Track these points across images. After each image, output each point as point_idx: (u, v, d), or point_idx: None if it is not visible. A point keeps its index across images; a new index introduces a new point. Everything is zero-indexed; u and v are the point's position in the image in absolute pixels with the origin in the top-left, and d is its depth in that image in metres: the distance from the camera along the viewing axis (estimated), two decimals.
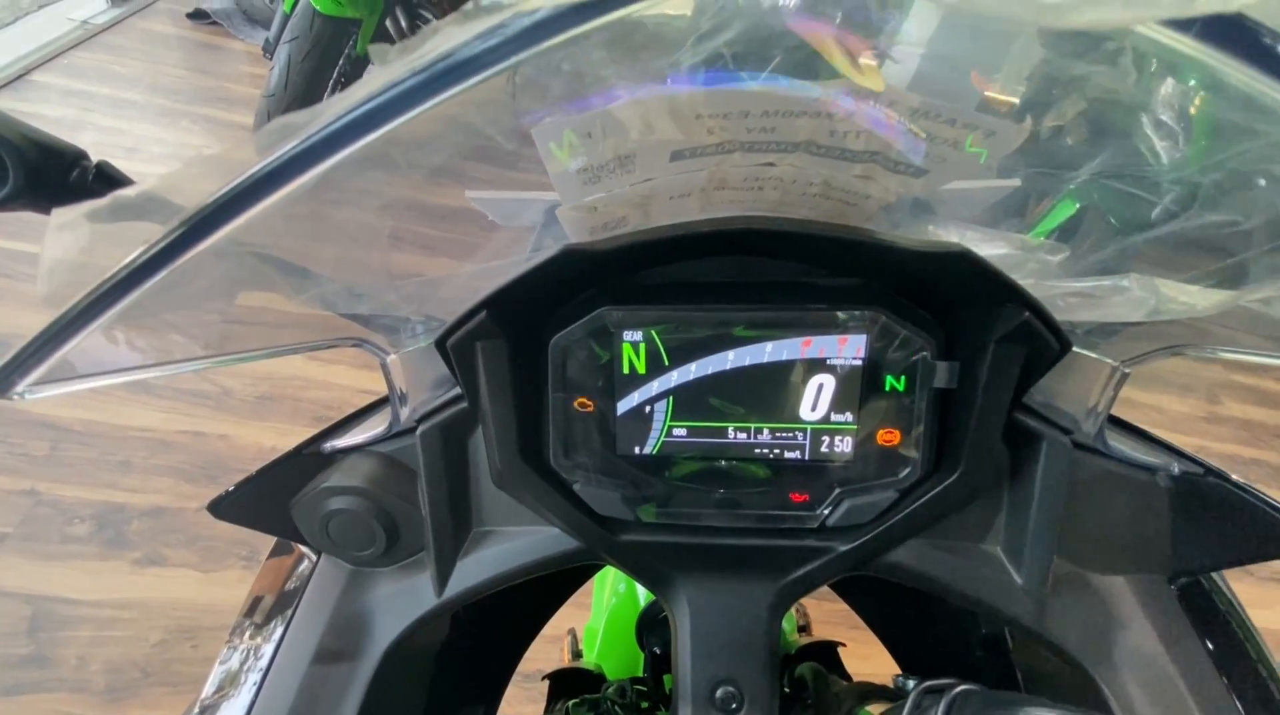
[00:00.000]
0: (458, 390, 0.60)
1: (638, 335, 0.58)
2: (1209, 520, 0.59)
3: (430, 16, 3.87)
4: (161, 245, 0.42)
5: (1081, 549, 0.64)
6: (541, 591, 1.04)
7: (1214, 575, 0.64)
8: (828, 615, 1.81)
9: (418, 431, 0.62)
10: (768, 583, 0.62)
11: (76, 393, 0.48)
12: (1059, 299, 0.58)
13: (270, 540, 0.71)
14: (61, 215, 0.39)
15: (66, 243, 0.40)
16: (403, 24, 3.74)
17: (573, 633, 1.58)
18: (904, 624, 1.08)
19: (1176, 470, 0.60)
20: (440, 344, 0.55)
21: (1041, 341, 0.53)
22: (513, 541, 0.65)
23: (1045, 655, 0.68)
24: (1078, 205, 0.69)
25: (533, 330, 0.57)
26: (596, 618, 1.55)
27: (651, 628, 1.24)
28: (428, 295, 0.61)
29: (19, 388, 0.47)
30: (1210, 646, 0.60)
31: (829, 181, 0.49)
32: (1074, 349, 0.55)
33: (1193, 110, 0.63)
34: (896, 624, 1.10)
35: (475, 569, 0.65)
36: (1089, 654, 0.61)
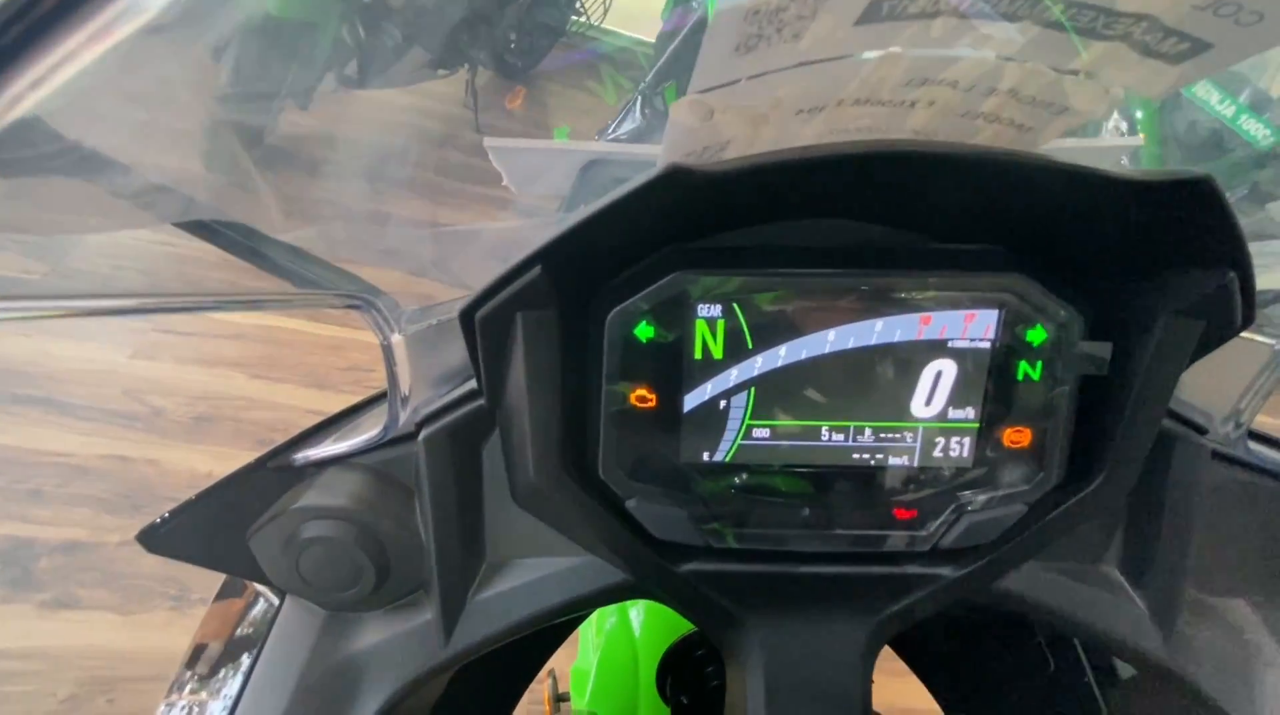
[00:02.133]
0: (470, 386, 0.52)
1: (716, 309, 0.49)
2: None
3: (395, 31, 3.74)
4: None
5: (1210, 571, 0.58)
6: (541, 632, 0.88)
7: None
8: None
9: (420, 436, 0.52)
10: (861, 620, 0.54)
11: None
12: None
13: (213, 577, 0.62)
14: None
15: None
16: (361, 34, 3.60)
17: (553, 675, 1.41)
18: (946, 658, 0.96)
19: None
20: (467, 315, 0.45)
21: (1228, 313, 0.43)
22: (537, 576, 0.56)
23: (1149, 698, 0.63)
24: None
25: (583, 301, 0.49)
26: (584, 657, 1.38)
27: (679, 673, 1.08)
28: (449, 252, 0.47)
29: None
30: None
31: (1018, 90, 0.37)
32: None
33: None
34: (937, 658, 0.97)
35: (490, 611, 0.55)
36: (1230, 696, 0.55)
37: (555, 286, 0.45)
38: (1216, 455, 0.54)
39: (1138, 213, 0.40)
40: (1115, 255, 0.46)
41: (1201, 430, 0.53)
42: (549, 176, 0.58)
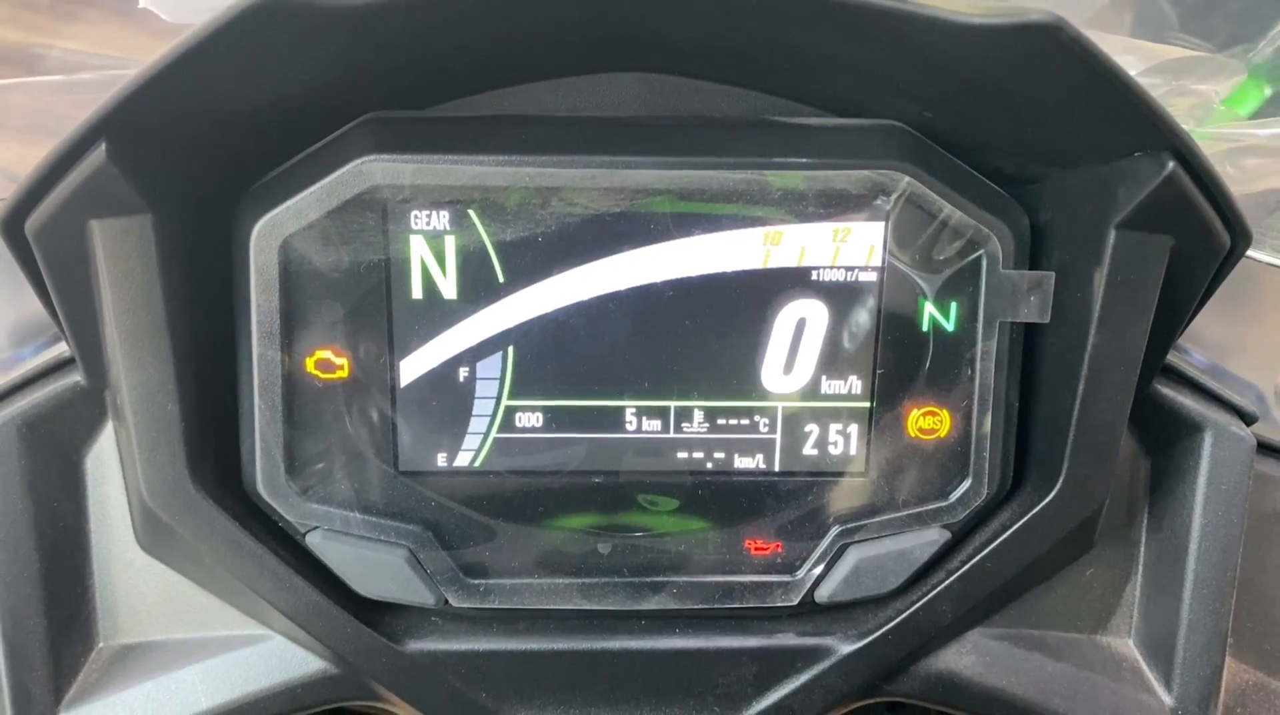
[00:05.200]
0: (60, 352, 0.42)
1: (441, 218, 0.39)
2: None
3: None
4: None
5: (1276, 640, 0.49)
6: None
7: None
8: None
9: None
10: None
11: None
12: (1229, 164, 0.43)
13: None
14: None
15: None
16: None
17: None
18: None
19: None
20: (10, 226, 0.36)
21: (1197, 225, 0.38)
22: (181, 667, 0.45)
23: None
24: (1269, 90, 0.55)
25: (214, 205, 0.39)
26: None
27: None
28: None
29: None
30: None
31: None
32: (1254, 254, 0.45)
33: None
34: None
35: None
36: None
37: (163, 175, 0.36)
38: (1265, 447, 0.47)
39: (1003, 72, 0.35)
40: (1025, 140, 0.40)
41: (1245, 414, 0.45)
42: None
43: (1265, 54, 0.50)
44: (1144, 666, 0.49)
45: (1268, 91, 0.57)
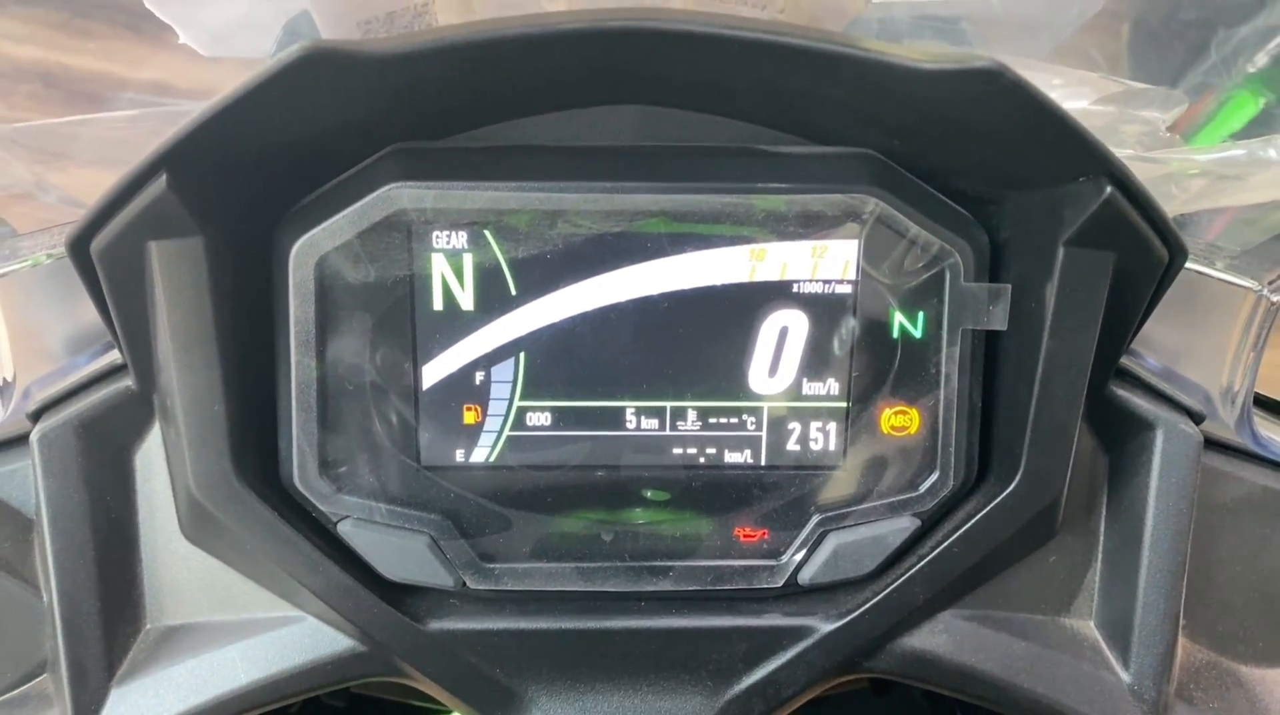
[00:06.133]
0: (112, 358, 0.44)
1: (459, 238, 0.41)
2: None
3: None
4: None
5: (1226, 622, 0.51)
6: None
7: None
8: None
9: (33, 435, 0.44)
10: (701, 701, 0.47)
11: None
12: (1173, 185, 0.46)
13: None
14: None
15: None
16: None
17: None
18: None
19: None
20: (77, 247, 0.38)
21: (1136, 242, 0.40)
22: (221, 646, 0.46)
23: None
24: (1263, 102, 0.56)
25: (257, 227, 0.42)
26: None
27: None
28: (54, 152, 0.39)
29: None
30: None
31: None
32: (1196, 267, 0.46)
33: None
34: None
35: (151, 702, 0.45)
36: None
37: (214, 202, 0.38)
38: (1213, 444, 0.48)
39: (957, 109, 0.37)
40: (982, 166, 0.42)
41: (1193, 413, 0.47)
42: (246, 30, 0.47)
43: (1261, 64, 0.49)
44: (1104, 646, 0.49)
45: (1261, 103, 0.56)
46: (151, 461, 0.46)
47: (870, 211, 0.41)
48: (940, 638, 0.48)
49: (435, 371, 0.42)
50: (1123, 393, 0.47)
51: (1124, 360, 0.46)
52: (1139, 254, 0.41)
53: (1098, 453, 0.49)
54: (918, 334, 0.43)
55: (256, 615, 0.46)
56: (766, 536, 0.46)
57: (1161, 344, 0.49)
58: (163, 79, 0.41)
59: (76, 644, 0.44)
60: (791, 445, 0.45)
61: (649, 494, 0.45)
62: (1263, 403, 0.51)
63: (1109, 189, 0.39)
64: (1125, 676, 0.48)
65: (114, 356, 0.43)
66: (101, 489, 0.45)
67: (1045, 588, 0.50)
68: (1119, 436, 0.49)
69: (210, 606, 0.47)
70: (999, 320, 0.43)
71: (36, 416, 0.44)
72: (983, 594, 0.48)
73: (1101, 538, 0.50)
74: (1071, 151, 0.38)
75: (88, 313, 0.42)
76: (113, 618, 0.45)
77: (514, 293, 0.41)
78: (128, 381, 0.43)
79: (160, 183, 0.36)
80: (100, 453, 0.44)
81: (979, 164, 0.41)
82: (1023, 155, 0.41)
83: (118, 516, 0.45)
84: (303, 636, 0.46)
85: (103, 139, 0.37)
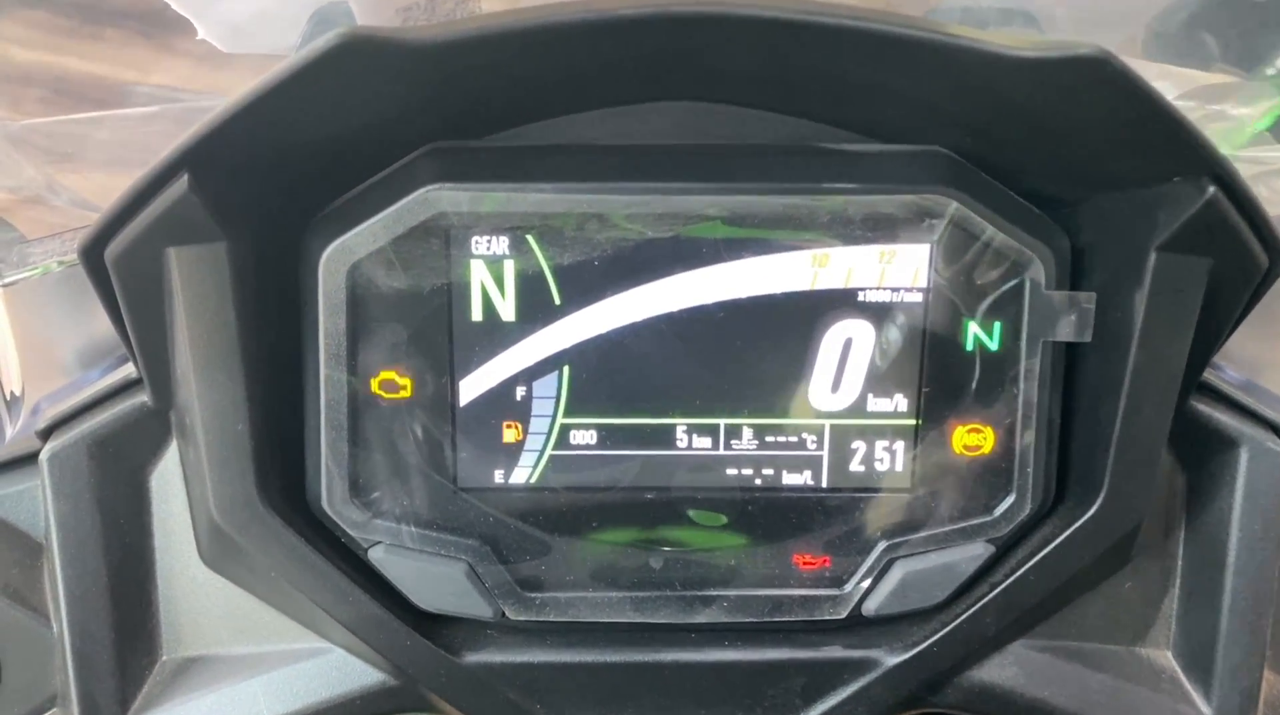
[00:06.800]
0: (126, 372, 0.43)
1: (501, 244, 0.40)
2: None
3: None
4: None
5: None
6: None
7: None
8: None
9: (43, 454, 0.43)
10: None
11: None
12: (1263, 186, 0.44)
13: None
14: None
15: None
16: None
17: None
18: None
19: None
20: (90, 253, 0.37)
21: (1235, 247, 0.39)
22: (241, 679, 0.46)
23: None
24: None
25: (284, 232, 0.41)
26: None
27: None
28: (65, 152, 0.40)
29: None
30: None
31: None
32: None
33: None
34: None
35: None
36: None
37: (238, 206, 0.37)
38: None
39: (1047, 102, 0.36)
40: (1066, 165, 0.41)
41: (1279, 429, 0.46)
42: (269, 24, 0.47)
43: None
44: (1183, 678, 0.49)
45: None
46: (168, 483, 0.45)
47: (946, 214, 0.39)
48: (1011, 670, 0.47)
49: (473, 387, 0.42)
50: (1204, 408, 0.46)
51: (1206, 373, 0.44)
52: (1237, 259, 0.40)
53: (1176, 472, 0.48)
54: (993, 346, 0.42)
55: (280, 647, 0.46)
56: (828, 564, 0.45)
57: (1240, 355, 0.47)
58: (174, 84, 0.40)
59: (88, 677, 0.44)
60: (855, 466, 0.44)
61: (701, 518, 0.45)
62: None
63: (1211, 189, 0.37)
64: (1206, 711, 0.47)
65: (129, 371, 0.43)
66: (115, 512, 0.44)
67: (1120, 616, 0.49)
68: (1199, 454, 0.47)
69: (231, 637, 0.47)
70: (1081, 331, 0.41)
71: (46, 434, 0.43)
72: (1055, 623, 0.47)
73: (1180, 562, 0.49)
74: (1173, 149, 0.37)
75: (101, 324, 0.41)
76: (127, 649, 0.45)
77: (558, 302, 0.41)
78: (143, 397, 0.42)
79: (181, 184, 0.35)
80: (114, 473, 0.44)
81: (1063, 162, 0.40)
82: (1117, 152, 0.39)
83: (132, 541, 0.45)
84: (330, 670, 0.45)
85: (117, 139, 0.36)
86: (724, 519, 0.44)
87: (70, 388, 0.44)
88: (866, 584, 0.45)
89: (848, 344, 0.42)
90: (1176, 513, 0.49)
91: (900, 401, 0.43)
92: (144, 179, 0.35)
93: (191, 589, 0.46)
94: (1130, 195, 0.40)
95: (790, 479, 0.44)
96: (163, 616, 0.47)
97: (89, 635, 0.44)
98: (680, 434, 0.43)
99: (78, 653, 0.43)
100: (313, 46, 0.32)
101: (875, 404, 0.43)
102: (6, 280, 0.38)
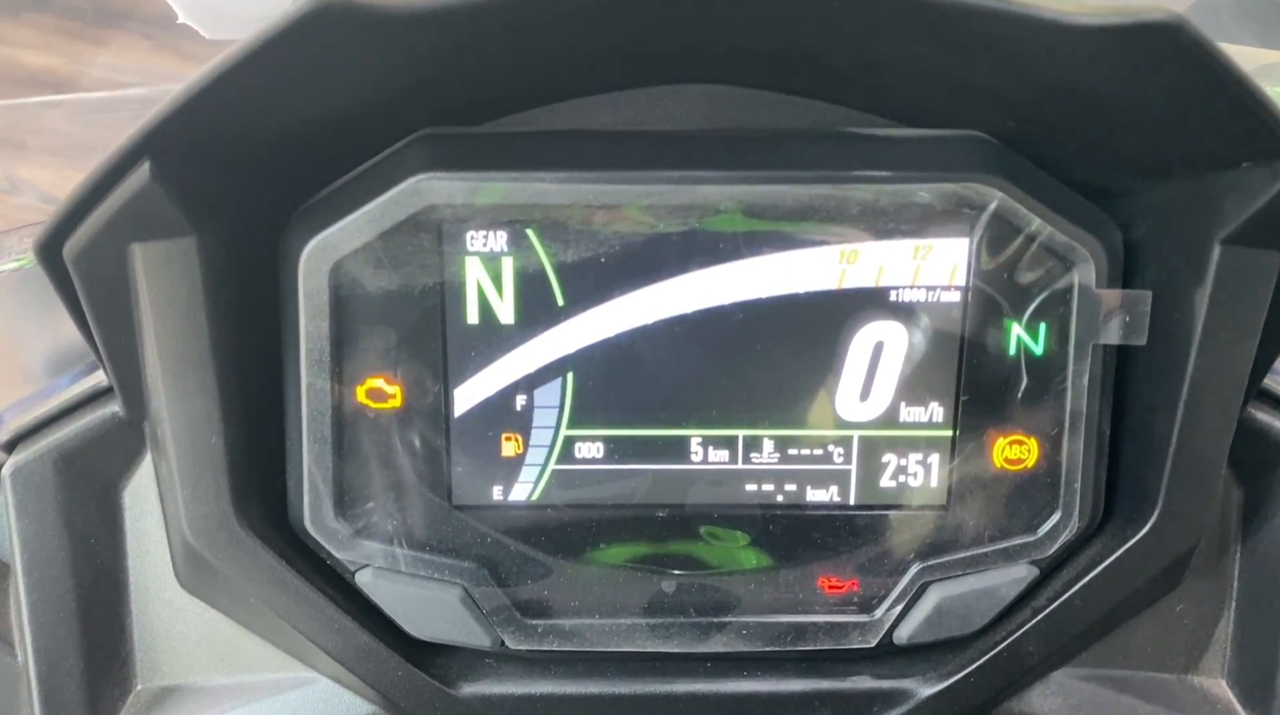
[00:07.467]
0: (96, 381, 0.42)
1: (499, 239, 0.39)
2: None
3: None
4: None
5: None
6: None
7: None
8: None
9: (5, 469, 0.42)
10: None
11: None
12: None
13: None
14: None
15: None
16: None
17: None
18: None
19: None
20: (47, 250, 0.35)
21: None
22: (222, 711, 0.45)
23: None
24: None
25: (260, 226, 0.39)
26: None
27: None
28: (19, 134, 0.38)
29: None
30: None
31: None
32: None
33: None
34: None
35: None
36: None
37: (210, 197, 0.36)
38: None
39: (1105, 76, 0.33)
40: (1120, 150, 0.39)
41: None
42: (254, 7, 0.46)
43: None
44: (1239, 708, 0.48)
45: None
46: (142, 499, 0.44)
47: (988, 204, 0.37)
48: (1054, 701, 0.47)
49: (469, 395, 0.41)
50: (1263, 416, 0.45)
51: (1265, 379, 0.42)
52: None
53: (1231, 485, 0.47)
54: (1038, 350, 0.41)
55: (262, 676, 0.45)
56: (856, 588, 0.44)
57: None
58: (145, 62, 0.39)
59: (56, 709, 0.43)
60: (886, 481, 0.43)
61: (718, 538, 0.44)
62: None
63: None
64: None
65: (100, 378, 0.41)
66: (85, 531, 0.43)
67: (1171, 642, 0.48)
68: (1257, 468, 0.46)
69: (209, 665, 0.46)
70: (1136, 333, 0.40)
71: (10, 447, 0.42)
72: (1100, 650, 0.46)
73: (1236, 584, 0.48)
74: (1249, 130, 0.34)
75: (69, 327, 0.38)
76: (98, 678, 0.44)
77: (561, 303, 0.40)
78: (114, 407, 0.41)
79: (142, 173, 0.33)
80: (83, 489, 0.43)
81: (1117, 147, 0.38)
82: (1179, 135, 0.37)
83: (104, 562, 0.44)
84: (315, 700, 0.45)
85: (74, 127, 0.34)
86: (742, 539, 0.43)
87: (36, 397, 0.43)
88: (898, 610, 0.44)
89: (878, 348, 0.41)
90: (1232, 530, 0.48)
91: (935, 411, 0.42)
92: (101, 167, 0.34)
93: (168, 614, 0.45)
94: (1188, 183, 0.39)
95: (815, 495, 0.43)
96: (137, 643, 0.46)
97: (57, 664, 0.43)
98: (695, 447, 0.42)
99: (44, 683, 0.43)
100: (286, 12, 0.29)
101: (908, 414, 0.42)
102: None
